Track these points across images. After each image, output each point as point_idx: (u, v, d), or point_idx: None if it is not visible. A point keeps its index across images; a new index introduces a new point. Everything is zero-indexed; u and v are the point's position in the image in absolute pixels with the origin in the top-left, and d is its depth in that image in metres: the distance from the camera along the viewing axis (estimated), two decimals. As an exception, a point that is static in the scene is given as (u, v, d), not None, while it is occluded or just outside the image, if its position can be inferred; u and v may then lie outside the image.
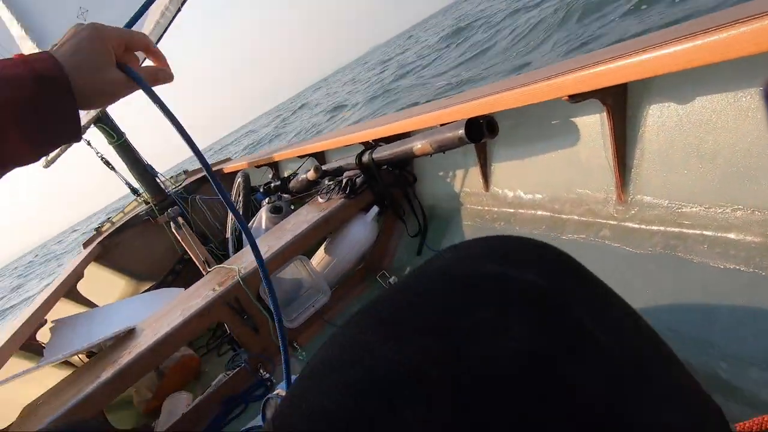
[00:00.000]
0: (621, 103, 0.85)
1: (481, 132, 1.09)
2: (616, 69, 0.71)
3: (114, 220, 2.81)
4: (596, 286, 0.27)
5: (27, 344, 1.63)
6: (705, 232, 0.76)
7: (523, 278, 0.24)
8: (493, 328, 0.21)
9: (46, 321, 1.71)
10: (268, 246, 1.44)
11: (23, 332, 1.61)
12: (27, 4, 2.09)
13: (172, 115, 0.50)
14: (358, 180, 1.52)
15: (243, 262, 1.42)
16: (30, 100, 0.42)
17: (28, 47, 2.10)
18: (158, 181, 2.63)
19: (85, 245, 2.66)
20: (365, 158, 1.46)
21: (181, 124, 0.52)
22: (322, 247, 1.58)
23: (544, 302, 0.23)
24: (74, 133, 0.46)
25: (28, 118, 0.42)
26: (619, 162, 0.88)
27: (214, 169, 2.88)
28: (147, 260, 2.61)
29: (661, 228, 0.84)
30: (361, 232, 1.51)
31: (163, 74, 0.54)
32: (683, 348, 0.70)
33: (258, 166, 2.50)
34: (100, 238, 2.62)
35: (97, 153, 2.53)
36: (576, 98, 0.84)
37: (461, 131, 1.05)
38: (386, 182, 1.50)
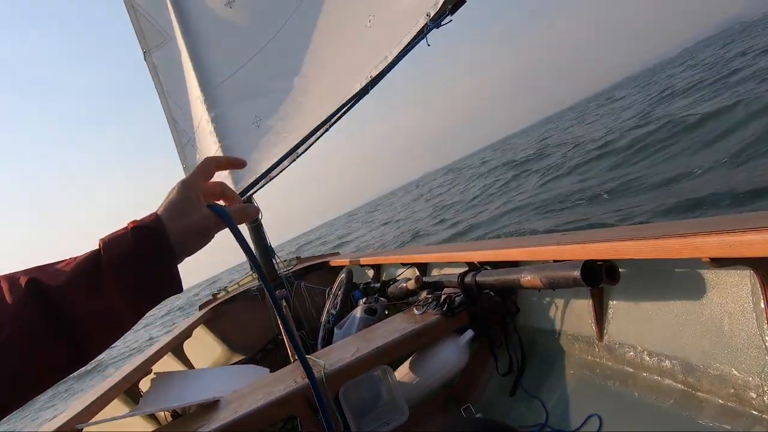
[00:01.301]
0: (780, 277, 0.74)
1: (599, 276, 1.02)
2: None
3: (229, 289, 3.12)
4: None
5: (130, 390, 1.78)
6: None
7: None
8: None
9: (151, 371, 1.87)
10: (357, 348, 1.44)
11: (130, 378, 1.78)
12: (223, 119, 2.71)
13: (251, 251, 0.57)
14: (457, 299, 1.49)
15: (331, 358, 1.43)
16: (129, 251, 0.46)
17: (215, 143, 2.66)
18: (274, 262, 2.90)
19: (201, 308, 2.96)
20: (468, 279, 1.44)
21: (257, 260, 0.56)
22: (408, 361, 1.53)
23: None
24: (173, 286, 0.50)
25: (127, 270, 0.46)
26: None
27: (321, 261, 3.10)
28: (245, 333, 2.78)
29: None
30: (451, 354, 1.44)
31: (251, 210, 0.58)
32: None
33: (362, 265, 2.62)
34: (213, 304, 2.91)
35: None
36: (720, 262, 0.75)
37: (577, 273, 1.00)
38: (486, 307, 1.45)
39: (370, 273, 2.62)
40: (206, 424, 1.31)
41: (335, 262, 2.91)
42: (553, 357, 1.33)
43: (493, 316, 1.45)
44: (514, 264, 1.40)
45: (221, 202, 0.58)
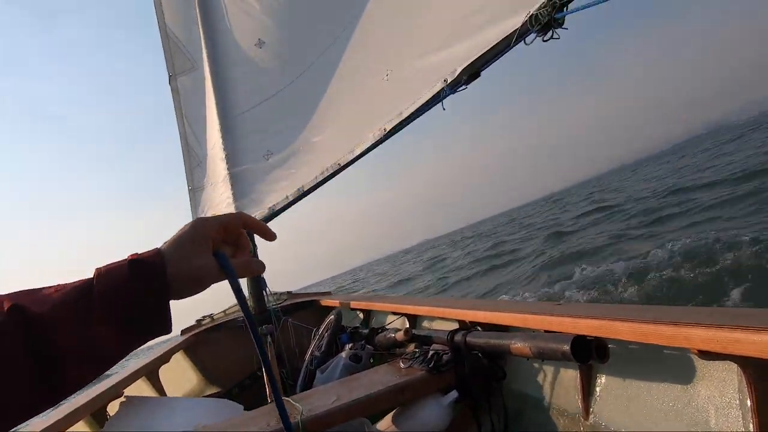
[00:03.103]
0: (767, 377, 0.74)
1: (588, 352, 1.02)
2: (762, 343, 0.64)
3: (215, 317, 3.06)
4: None
5: (97, 413, 1.71)
6: None
7: None
8: None
9: (122, 394, 1.81)
10: (338, 395, 1.40)
11: (99, 401, 1.71)
12: (236, 149, 2.79)
13: (246, 305, 0.54)
14: (444, 357, 1.47)
15: (309, 404, 1.39)
16: (123, 285, 0.44)
17: (224, 169, 2.72)
18: (264, 294, 2.87)
19: (183, 333, 2.89)
20: (458, 338, 1.43)
21: (249, 311, 0.53)
22: (389, 417, 1.48)
23: None
24: (163, 325, 0.47)
25: (118, 305, 0.44)
26: None
27: (312, 299, 3.07)
28: (223, 365, 2.69)
29: None
30: (434, 414, 1.40)
31: (256, 266, 0.55)
32: None
33: (352, 309, 2.60)
34: (196, 330, 2.84)
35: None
36: (708, 355, 0.76)
37: (566, 347, 1.00)
38: (473, 369, 1.42)
39: (360, 316, 2.58)
40: None
41: (326, 302, 2.88)
42: (536, 429, 1.29)
43: (479, 378, 1.43)
44: (505, 328, 1.39)
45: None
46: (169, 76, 3.28)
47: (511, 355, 1.27)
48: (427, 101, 1.45)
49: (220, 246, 0.52)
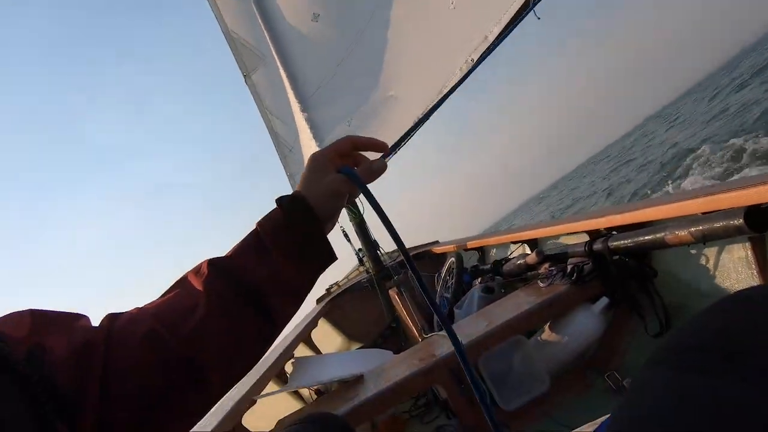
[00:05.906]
0: None
1: (765, 222, 0.94)
2: None
3: (340, 283, 3.33)
4: None
5: (279, 374, 2.01)
6: None
7: None
8: None
9: (292, 356, 2.10)
10: (489, 320, 1.48)
11: (279, 363, 2.00)
12: (320, 125, 2.91)
13: (380, 209, 0.57)
14: (586, 267, 1.46)
15: (462, 333, 1.48)
16: (281, 219, 0.52)
17: (316, 146, 2.88)
18: (379, 253, 3.05)
19: (318, 301, 3.21)
20: (597, 246, 1.40)
21: (388, 219, 0.57)
22: (542, 333, 1.53)
23: None
24: (327, 251, 0.54)
25: (284, 236, 0.52)
26: None
27: (423, 250, 3.17)
28: (360, 323, 2.96)
29: None
30: (587, 322, 1.41)
31: (378, 167, 0.58)
32: None
33: (467, 249, 2.65)
34: (329, 298, 3.13)
35: (340, 225, 3.14)
36: None
37: (739, 220, 0.94)
38: (622, 273, 1.40)
39: (477, 256, 2.63)
40: (353, 396, 1.43)
41: (438, 249, 2.97)
42: None
43: (629, 281, 1.40)
44: (642, 225, 1.33)
45: None
46: (244, 76, 3.49)
47: (666, 248, 1.22)
48: (514, 15, 1.36)
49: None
